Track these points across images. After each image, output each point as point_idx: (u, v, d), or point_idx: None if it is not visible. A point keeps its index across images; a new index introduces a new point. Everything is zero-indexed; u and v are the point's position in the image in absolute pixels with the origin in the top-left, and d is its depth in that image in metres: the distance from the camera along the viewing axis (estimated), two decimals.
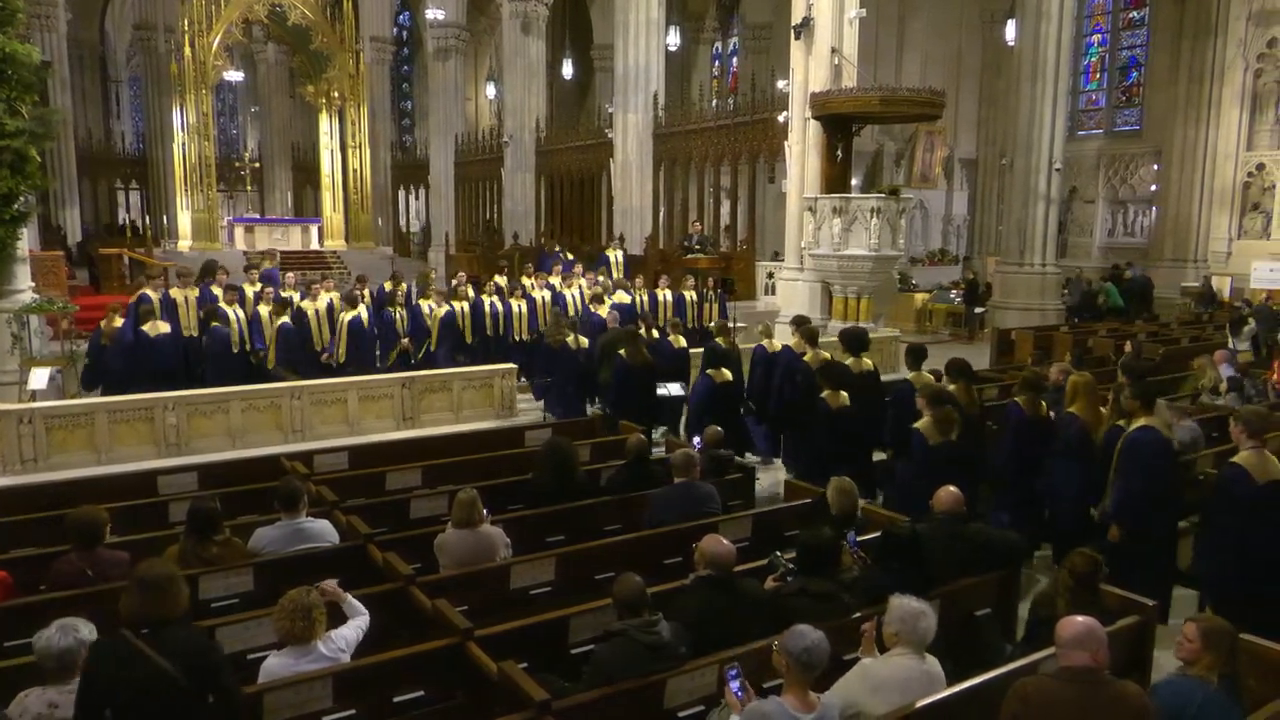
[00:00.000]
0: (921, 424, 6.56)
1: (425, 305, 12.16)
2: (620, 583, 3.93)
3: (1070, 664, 3.38)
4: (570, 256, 16.76)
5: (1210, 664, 3.60)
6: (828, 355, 8.78)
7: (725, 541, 4.39)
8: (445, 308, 12.10)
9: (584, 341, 10.42)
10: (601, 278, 14.23)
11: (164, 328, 10.84)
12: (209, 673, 3.16)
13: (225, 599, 4.71)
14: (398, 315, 11.90)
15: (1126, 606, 4.51)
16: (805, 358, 8.80)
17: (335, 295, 12.17)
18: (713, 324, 10.80)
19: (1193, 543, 5.72)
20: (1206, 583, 5.22)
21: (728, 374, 9.12)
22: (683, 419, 9.82)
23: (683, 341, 10.65)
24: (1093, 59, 24.86)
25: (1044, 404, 6.95)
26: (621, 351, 8.91)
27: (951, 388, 7.19)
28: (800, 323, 9.59)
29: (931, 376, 7.74)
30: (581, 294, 13.06)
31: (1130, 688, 3.44)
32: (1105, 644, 3.41)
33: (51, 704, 3.30)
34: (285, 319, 11.26)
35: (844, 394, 7.90)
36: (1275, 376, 9.62)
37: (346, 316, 11.44)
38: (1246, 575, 5.08)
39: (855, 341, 8.53)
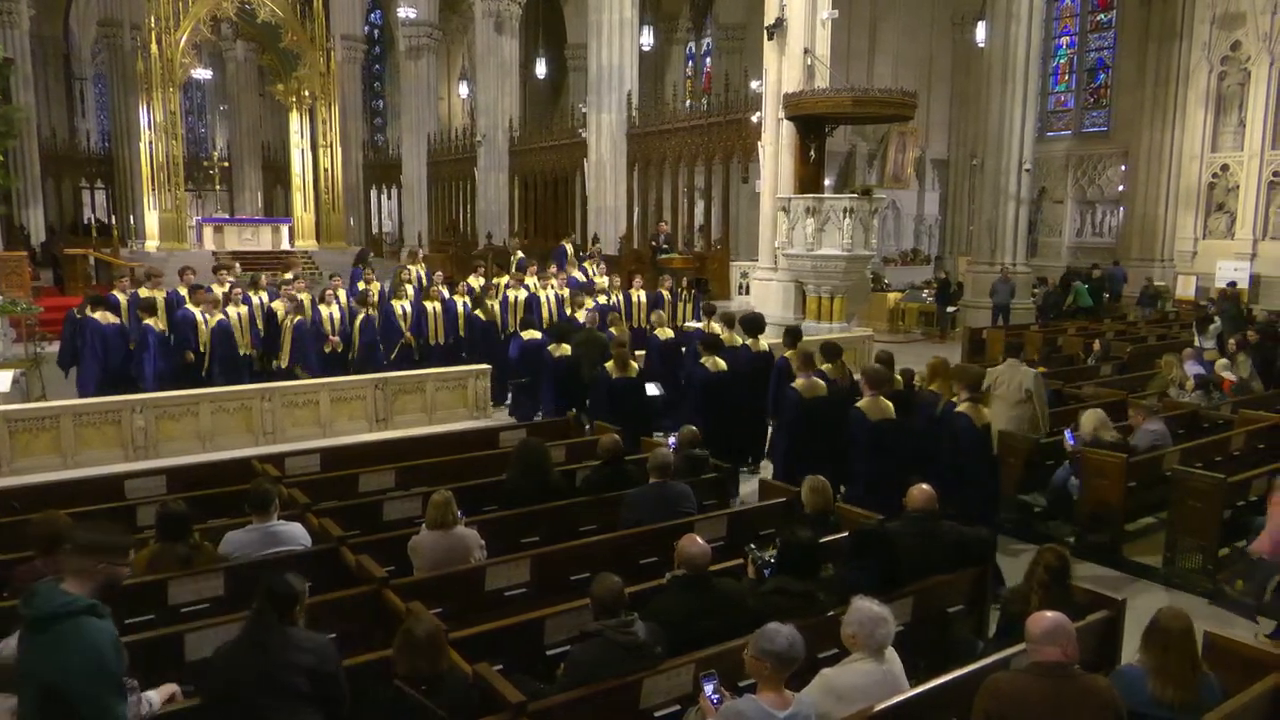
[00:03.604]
0: (608, 363, 8.80)
1: (398, 306, 12.07)
2: (599, 582, 3.92)
3: (1041, 659, 3.43)
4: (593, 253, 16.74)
5: (1145, 652, 3.73)
6: (740, 340, 9.70)
7: (700, 541, 4.39)
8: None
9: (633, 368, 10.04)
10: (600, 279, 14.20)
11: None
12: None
13: (196, 604, 4.65)
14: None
15: (1095, 602, 4.59)
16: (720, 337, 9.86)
17: (307, 296, 12.06)
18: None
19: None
20: (860, 500, 6.33)
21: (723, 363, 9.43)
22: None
23: (669, 333, 11.25)
24: (1061, 61, 25.22)
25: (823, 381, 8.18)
26: (608, 365, 8.98)
27: (826, 366, 8.24)
28: (710, 311, 10.83)
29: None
30: (558, 296, 13.02)
31: (1100, 681, 3.49)
32: (1075, 639, 3.47)
33: (13, 711, 3.24)
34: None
35: (722, 361, 9.10)
36: (1226, 386, 9.93)
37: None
38: (877, 487, 6.51)
39: (752, 325, 9.66)
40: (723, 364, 8.96)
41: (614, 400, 8.65)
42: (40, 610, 2.92)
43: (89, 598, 3.02)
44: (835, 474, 6.40)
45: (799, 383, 7.74)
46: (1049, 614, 3.51)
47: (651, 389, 9.79)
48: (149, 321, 10.64)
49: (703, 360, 8.95)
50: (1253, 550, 5.89)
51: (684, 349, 10.55)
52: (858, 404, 6.88)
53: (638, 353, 10.99)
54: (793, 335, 8.95)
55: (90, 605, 2.97)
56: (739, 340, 9.65)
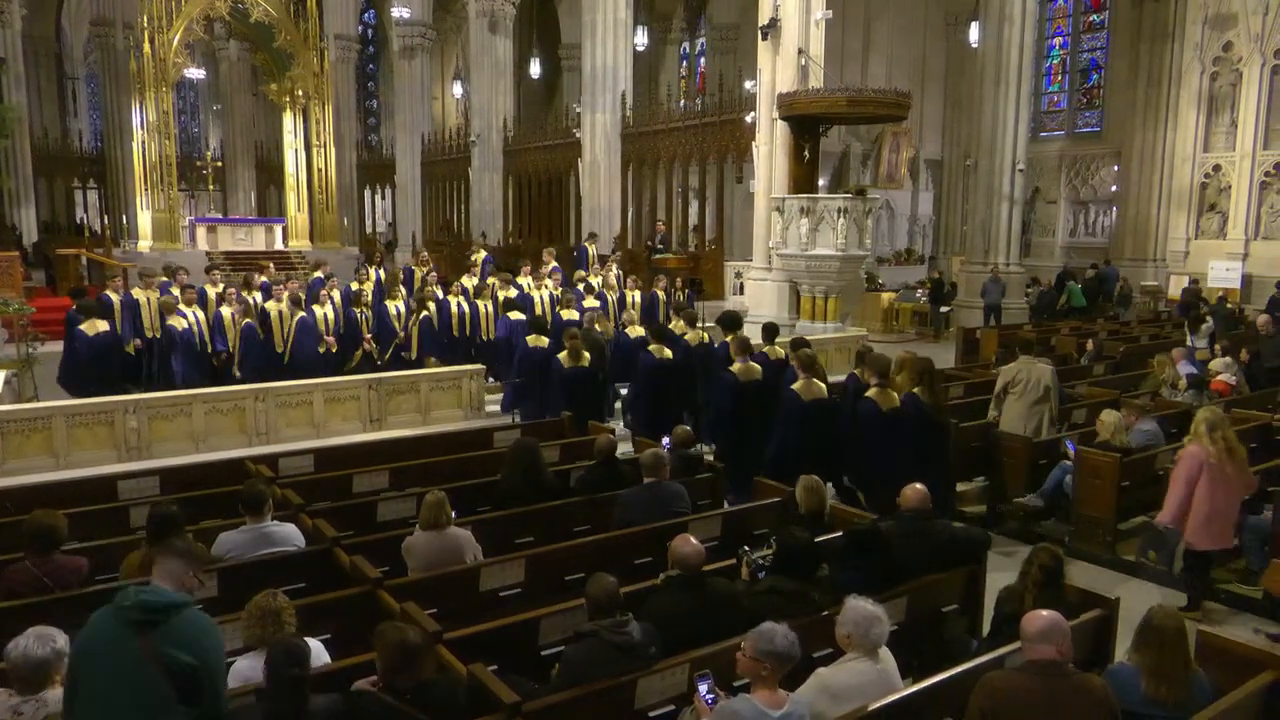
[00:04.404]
0: (561, 354, 9.13)
1: (392, 306, 12.04)
2: (594, 582, 3.92)
3: (1035, 657, 3.44)
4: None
5: (1137, 651, 3.75)
6: (706, 336, 10.03)
7: (694, 541, 4.39)
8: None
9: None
10: (607, 275, 14.17)
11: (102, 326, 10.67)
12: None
13: None
14: (362, 316, 11.79)
15: (1089, 601, 4.60)
16: (686, 336, 10.19)
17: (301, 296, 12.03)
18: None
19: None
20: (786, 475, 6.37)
21: (668, 352, 9.70)
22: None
23: (640, 330, 11.18)
24: (1054, 62, 25.28)
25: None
26: (560, 356, 9.10)
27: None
28: (680, 309, 11.37)
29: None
30: (552, 296, 12.99)
31: (1094, 680, 3.50)
32: (1069, 637, 3.48)
33: (16, 711, 3.24)
34: (249, 320, 11.14)
35: (668, 350, 9.51)
36: (1225, 391, 9.99)
37: (295, 318, 11.33)
38: (801, 462, 6.63)
39: (730, 321, 9.78)
40: (668, 353, 9.42)
41: (566, 388, 9.14)
42: (155, 602, 3.00)
43: None
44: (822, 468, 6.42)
45: (736, 367, 8.16)
46: (1044, 613, 3.53)
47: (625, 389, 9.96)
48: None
49: (650, 348, 9.38)
50: (1158, 521, 6.10)
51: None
52: (792, 385, 7.42)
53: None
54: (730, 323, 9.30)
55: (191, 599, 3.14)
56: (706, 337, 9.90)
